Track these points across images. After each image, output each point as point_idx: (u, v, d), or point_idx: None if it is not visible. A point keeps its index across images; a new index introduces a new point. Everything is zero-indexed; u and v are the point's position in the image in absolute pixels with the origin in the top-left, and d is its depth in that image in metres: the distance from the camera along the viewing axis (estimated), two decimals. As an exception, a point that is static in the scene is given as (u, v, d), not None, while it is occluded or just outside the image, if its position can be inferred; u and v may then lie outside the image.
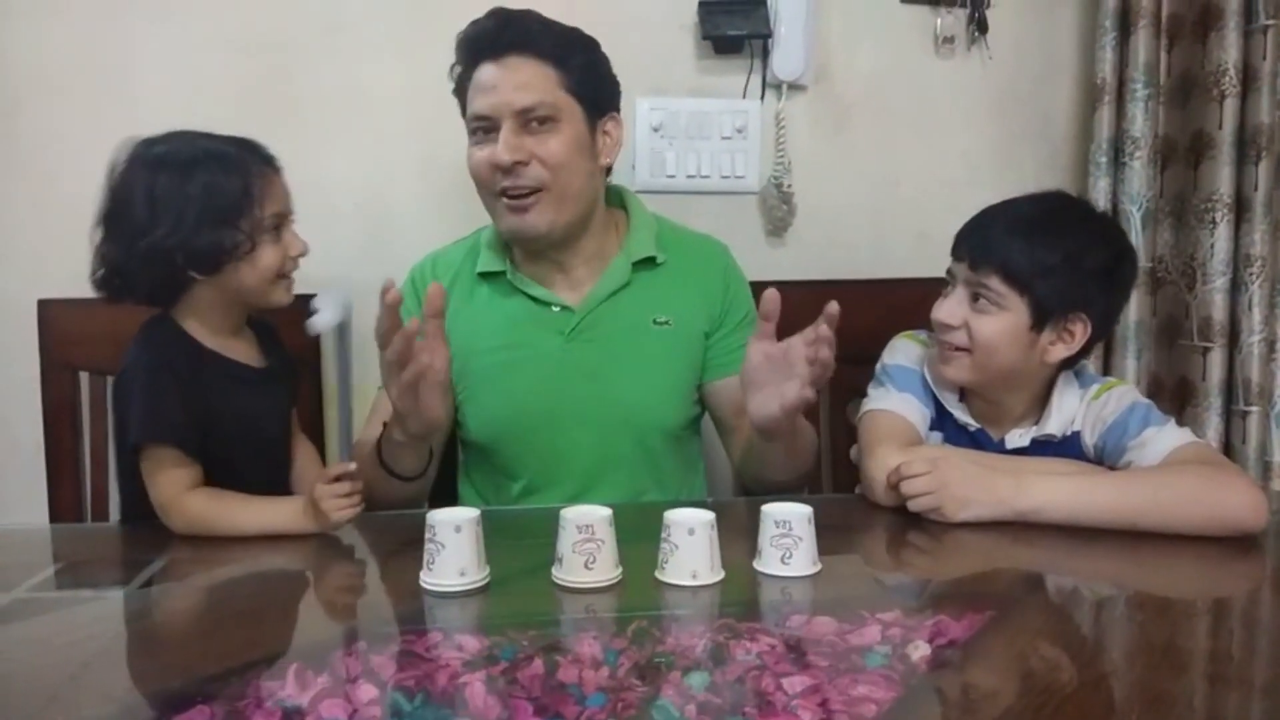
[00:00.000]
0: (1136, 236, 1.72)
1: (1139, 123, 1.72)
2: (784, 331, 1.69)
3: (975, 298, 1.21)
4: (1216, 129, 1.70)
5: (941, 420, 1.31)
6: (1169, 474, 1.14)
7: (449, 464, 1.45)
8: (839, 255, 1.82)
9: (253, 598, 1.01)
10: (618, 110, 1.36)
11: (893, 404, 1.28)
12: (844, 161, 1.84)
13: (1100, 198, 1.73)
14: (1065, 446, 1.26)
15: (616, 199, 1.45)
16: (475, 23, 1.29)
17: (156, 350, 1.15)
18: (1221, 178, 1.70)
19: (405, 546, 1.04)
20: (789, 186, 1.80)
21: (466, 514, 0.95)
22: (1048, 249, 1.18)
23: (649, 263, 1.38)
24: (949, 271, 1.26)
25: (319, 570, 1.08)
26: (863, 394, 1.36)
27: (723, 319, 1.39)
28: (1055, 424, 1.26)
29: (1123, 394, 1.27)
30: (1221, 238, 1.71)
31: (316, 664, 0.78)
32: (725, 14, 1.72)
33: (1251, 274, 1.72)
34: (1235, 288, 1.73)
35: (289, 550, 1.09)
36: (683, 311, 1.37)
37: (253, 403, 1.21)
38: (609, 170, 1.39)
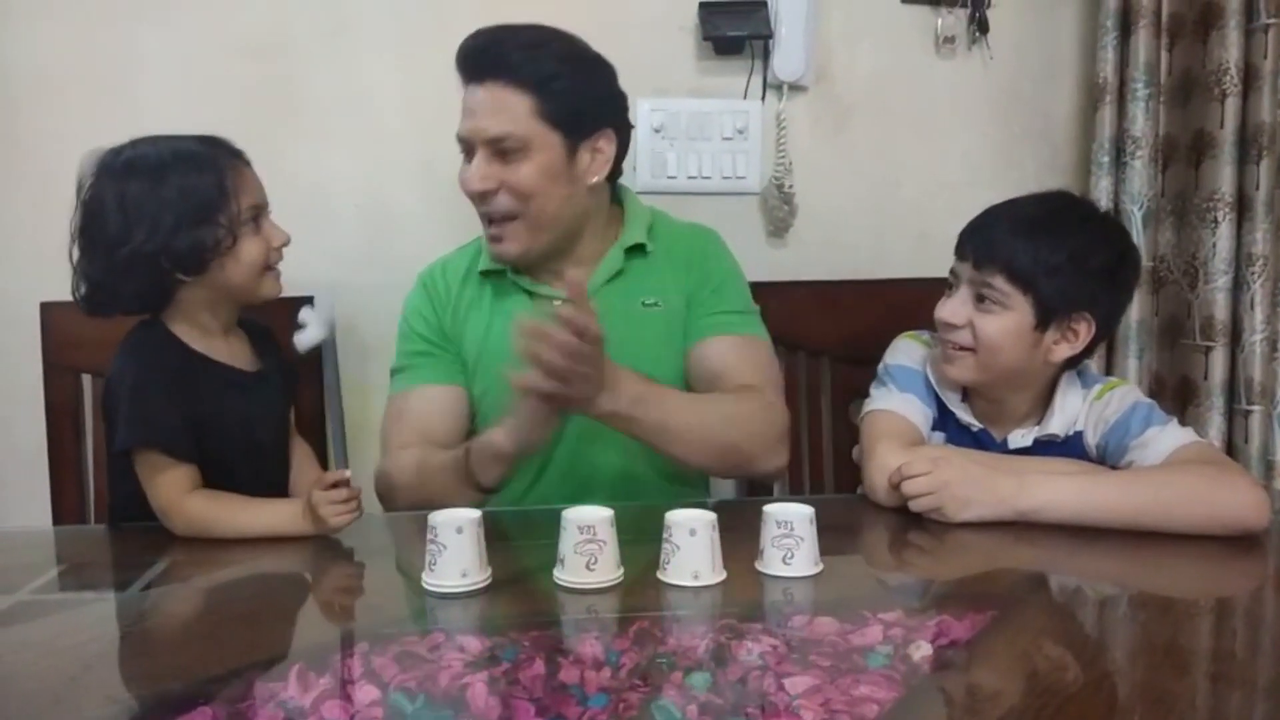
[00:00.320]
0: (1138, 236, 1.72)
1: (1140, 122, 1.71)
2: (786, 331, 1.70)
3: (979, 297, 1.21)
4: (1218, 128, 1.70)
5: (944, 420, 1.31)
6: (1171, 473, 1.14)
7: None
8: (840, 256, 1.82)
9: (254, 599, 1.01)
10: (616, 125, 1.34)
11: (895, 404, 1.28)
12: (845, 162, 1.83)
13: (1102, 197, 1.73)
14: (1068, 446, 1.26)
15: (616, 197, 1.45)
16: (469, 37, 1.29)
17: (144, 354, 1.15)
18: (1223, 177, 1.70)
19: (406, 548, 1.04)
20: (790, 187, 1.80)
21: (468, 515, 0.95)
22: (1052, 249, 1.18)
23: (639, 250, 1.39)
24: (952, 271, 1.26)
25: (320, 572, 1.08)
26: (865, 394, 1.36)
27: (696, 290, 1.40)
28: (1058, 424, 1.26)
29: (1125, 394, 1.27)
30: (1223, 237, 1.71)
31: (318, 665, 0.78)
32: (726, 15, 1.72)
33: (1253, 273, 1.71)
34: (1237, 287, 1.73)
35: (290, 552, 1.09)
36: (668, 292, 1.39)
37: (245, 406, 1.20)
38: (618, 174, 1.40)
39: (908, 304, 1.45)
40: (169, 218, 1.10)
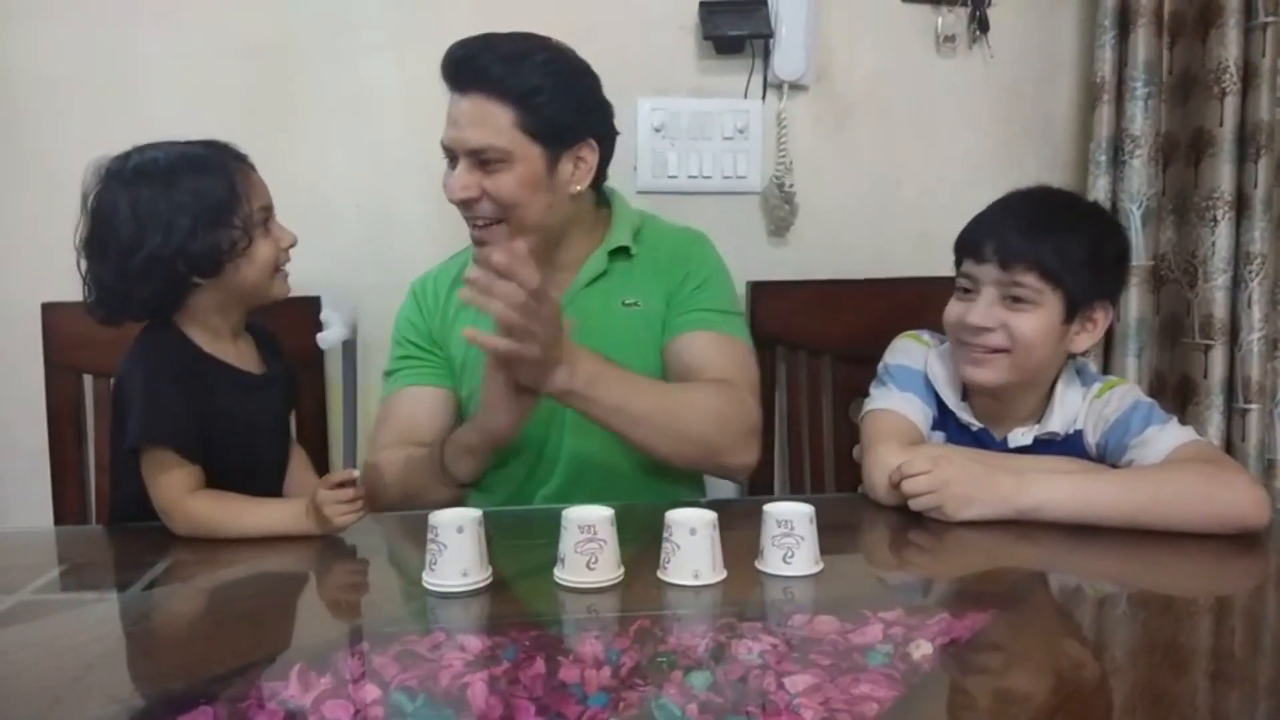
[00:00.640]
0: (1136, 234, 1.72)
1: (1139, 121, 1.71)
2: (787, 331, 1.70)
3: (1013, 298, 1.21)
4: (1217, 126, 1.70)
5: (944, 420, 1.31)
6: (1171, 472, 1.14)
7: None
8: (841, 255, 1.82)
9: (255, 599, 1.01)
10: (599, 135, 1.35)
11: (895, 403, 1.28)
12: (845, 161, 1.84)
13: (1100, 196, 1.72)
14: (1068, 445, 1.26)
15: (605, 201, 1.46)
16: (454, 46, 1.30)
17: (156, 353, 1.15)
18: (1222, 175, 1.70)
19: (407, 547, 1.04)
20: (790, 186, 1.80)
21: (468, 514, 0.95)
22: (1075, 242, 1.20)
23: (623, 252, 1.40)
24: (967, 275, 1.24)
25: (321, 571, 1.08)
26: (865, 393, 1.36)
27: (678, 289, 1.40)
28: (1058, 422, 1.26)
29: (1125, 392, 1.27)
30: (1222, 235, 1.71)
31: (319, 664, 0.78)
32: (726, 14, 1.73)
33: (1251, 271, 1.71)
34: (1236, 285, 1.73)
35: (292, 551, 1.09)
36: (649, 293, 1.40)
37: (251, 408, 1.21)
38: (602, 179, 1.40)
39: (909, 303, 1.46)
40: (184, 221, 1.10)
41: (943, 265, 1.31)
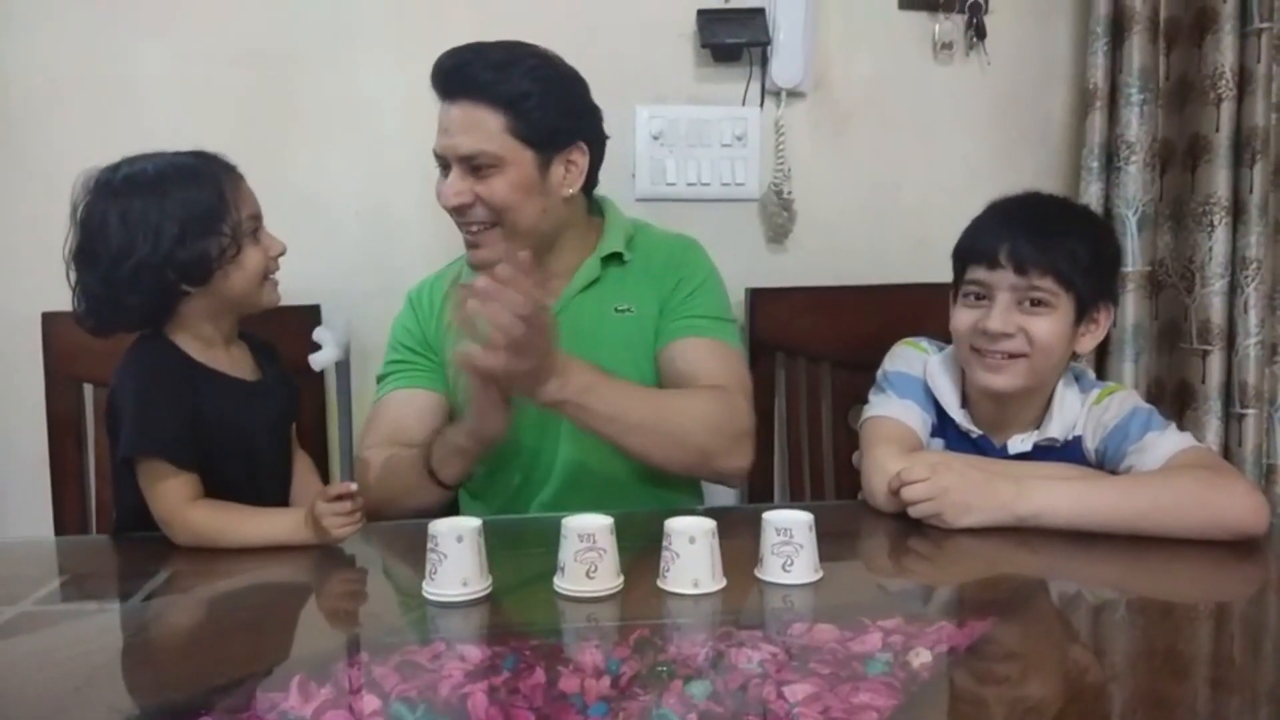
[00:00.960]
0: (1132, 240, 1.72)
1: (1134, 127, 1.71)
2: (785, 337, 1.70)
3: (1026, 301, 1.21)
4: (1213, 132, 1.71)
5: (943, 427, 1.31)
6: (1170, 478, 1.14)
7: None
8: (839, 261, 1.82)
9: (256, 609, 1.01)
10: (588, 139, 1.36)
11: (894, 410, 1.29)
12: (844, 168, 1.84)
13: (1092, 202, 1.72)
14: (1067, 451, 1.26)
15: (597, 209, 1.47)
16: (443, 56, 1.31)
17: (147, 363, 1.16)
18: (1219, 180, 1.70)
19: (407, 557, 1.04)
20: (789, 193, 1.80)
21: (468, 524, 0.95)
22: (1081, 245, 1.21)
23: (616, 259, 1.41)
24: (978, 282, 1.24)
25: (321, 581, 1.08)
26: (864, 400, 1.36)
27: (670, 296, 1.41)
28: (1057, 428, 1.26)
29: (1124, 399, 1.27)
30: (1219, 241, 1.71)
31: (319, 675, 0.78)
32: (724, 22, 1.73)
33: (1247, 276, 1.72)
34: (1233, 290, 1.74)
35: (292, 562, 1.09)
36: (641, 299, 1.40)
37: (246, 416, 1.21)
38: (593, 185, 1.42)
39: (907, 309, 1.46)
40: (173, 229, 1.11)
41: (941, 271, 1.31)
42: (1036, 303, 1.21)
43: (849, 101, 1.83)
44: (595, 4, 1.73)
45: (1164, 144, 1.79)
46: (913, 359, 1.35)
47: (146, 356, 1.17)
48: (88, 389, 1.56)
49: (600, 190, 1.46)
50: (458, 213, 1.32)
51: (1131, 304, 1.74)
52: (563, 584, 0.95)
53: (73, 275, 1.14)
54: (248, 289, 1.17)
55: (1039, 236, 1.21)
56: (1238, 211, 1.72)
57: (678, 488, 1.42)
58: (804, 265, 1.83)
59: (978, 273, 1.24)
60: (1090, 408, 1.27)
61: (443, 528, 0.94)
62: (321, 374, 1.58)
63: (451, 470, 1.27)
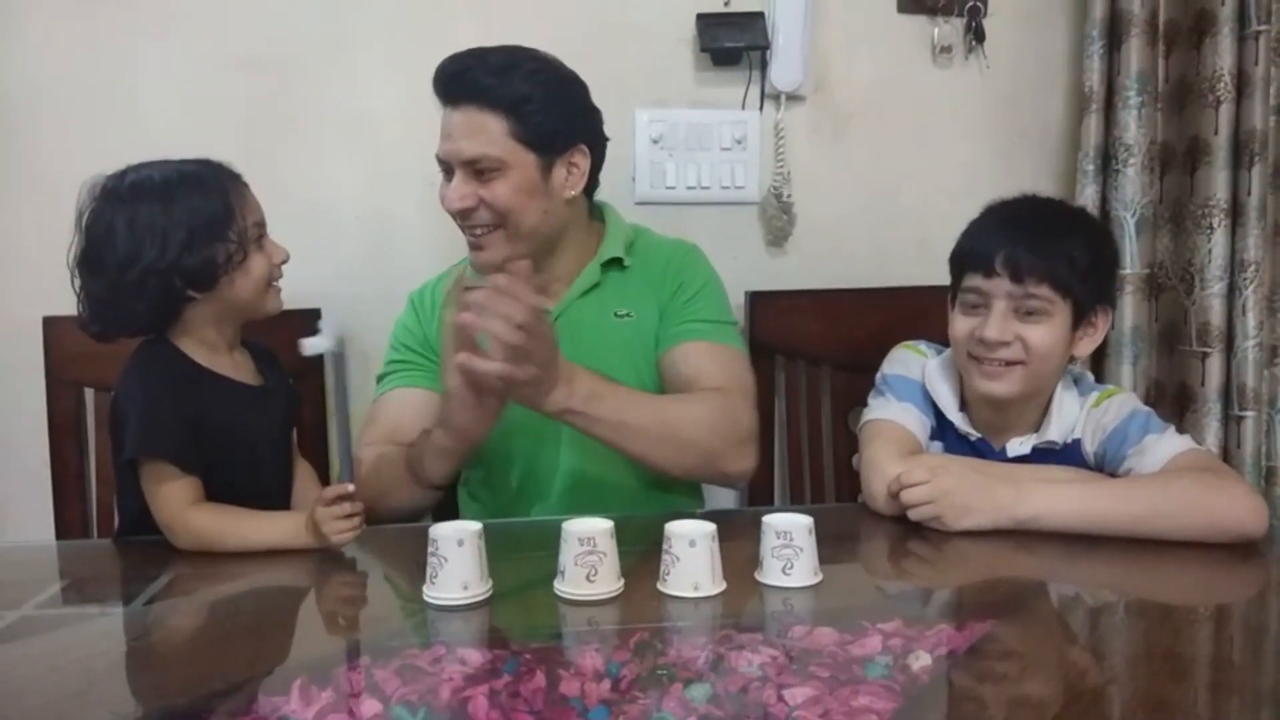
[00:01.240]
0: (1130, 242, 1.72)
1: (1132, 130, 1.72)
2: (785, 340, 1.70)
3: (1022, 310, 1.21)
4: (1212, 134, 1.71)
5: (942, 430, 1.31)
6: (1169, 481, 1.14)
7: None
8: (839, 264, 1.83)
9: (257, 613, 1.01)
10: (589, 141, 1.37)
11: (893, 413, 1.29)
12: (843, 171, 1.84)
13: (1088, 204, 1.73)
14: (1066, 455, 1.27)
15: (598, 214, 1.48)
16: (445, 61, 1.32)
17: (151, 367, 1.16)
18: (1217, 183, 1.71)
19: (408, 560, 1.04)
20: (789, 196, 1.80)
21: (469, 528, 0.95)
22: (1079, 250, 1.21)
23: (616, 264, 1.42)
24: (974, 290, 1.24)
25: (322, 585, 1.08)
26: (863, 403, 1.36)
27: (670, 300, 1.41)
28: (1056, 431, 1.26)
29: (1123, 401, 1.27)
30: (1218, 243, 1.72)
31: (320, 679, 0.78)
32: (723, 26, 1.73)
33: (1245, 279, 1.72)
34: (1232, 293, 1.74)
35: (292, 565, 1.09)
36: (641, 304, 1.41)
37: (249, 420, 1.21)
38: (594, 189, 1.42)
39: (907, 312, 1.46)
40: (180, 235, 1.11)
41: (940, 274, 1.31)
42: (1033, 311, 1.21)
43: (848, 105, 1.83)
44: (595, 9, 1.74)
45: (1163, 146, 1.79)
46: (911, 362, 1.35)
47: (151, 361, 1.17)
48: (89, 393, 1.56)
49: (600, 194, 1.46)
50: (461, 216, 1.32)
51: (1130, 306, 1.74)
52: (563, 587, 0.95)
53: (77, 281, 1.15)
54: (253, 295, 1.18)
55: (1035, 243, 1.20)
56: (1236, 214, 1.73)
57: (678, 491, 1.43)
58: (804, 268, 1.84)
59: (974, 280, 1.24)
60: (1089, 411, 1.27)
61: (443, 532, 0.95)
62: (322, 377, 1.59)
63: (435, 470, 1.27)
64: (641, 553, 1.01)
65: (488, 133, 1.28)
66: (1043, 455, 1.26)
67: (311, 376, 1.58)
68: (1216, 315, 1.73)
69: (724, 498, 1.71)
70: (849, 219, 1.85)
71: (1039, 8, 1.85)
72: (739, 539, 1.02)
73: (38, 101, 1.68)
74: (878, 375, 1.36)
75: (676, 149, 1.79)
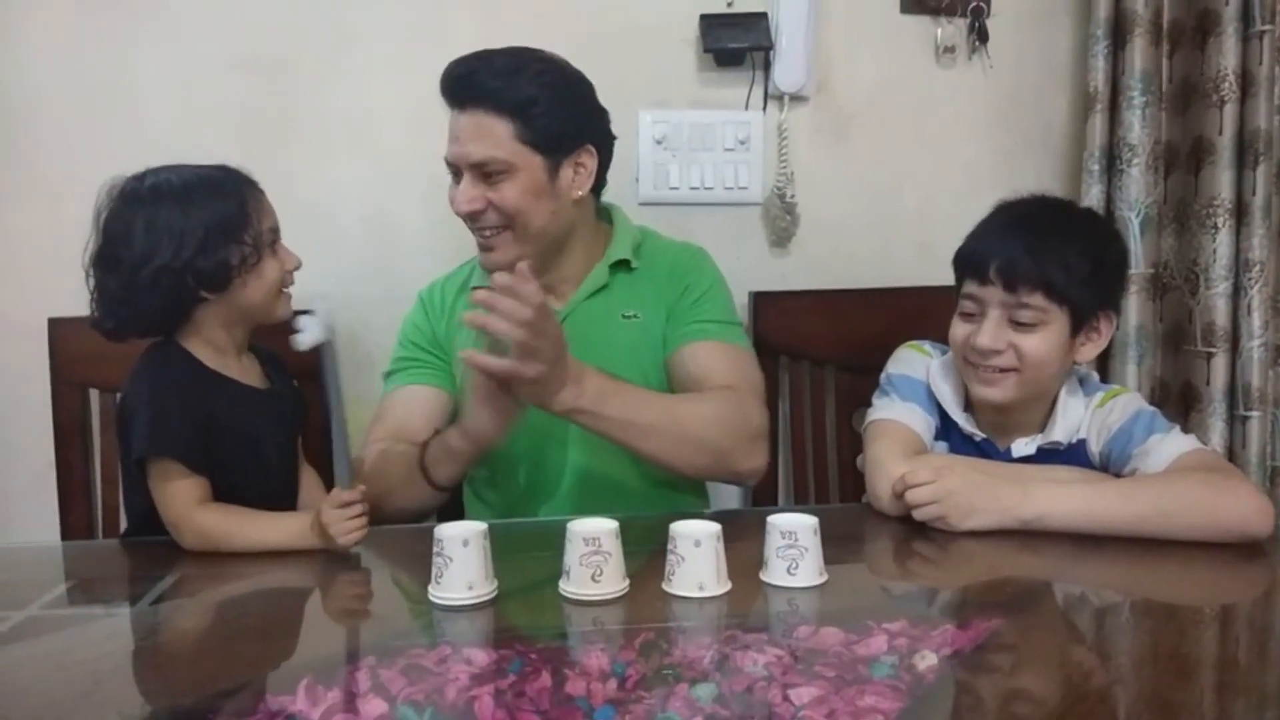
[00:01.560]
0: (1135, 242, 1.72)
1: (1136, 130, 1.72)
2: (789, 341, 1.70)
3: (1015, 318, 1.20)
4: (1216, 134, 1.71)
5: (947, 430, 1.31)
6: (1174, 481, 1.14)
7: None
8: (842, 265, 1.83)
9: (262, 613, 1.02)
10: (596, 141, 1.37)
11: (897, 414, 1.29)
12: (846, 171, 1.84)
13: (1093, 204, 1.73)
14: (1071, 455, 1.26)
15: (605, 216, 1.48)
16: (452, 64, 1.32)
17: (160, 368, 1.17)
18: (1222, 183, 1.71)
19: (413, 561, 1.04)
20: (792, 197, 1.80)
21: (474, 528, 0.95)
22: (1079, 257, 1.19)
23: (624, 266, 1.43)
24: (970, 297, 1.24)
25: (328, 585, 1.08)
26: (868, 403, 1.36)
27: (677, 302, 1.42)
28: (1061, 432, 1.26)
29: (1128, 401, 1.27)
30: (1223, 243, 1.71)
31: (326, 678, 0.78)
32: (726, 27, 1.73)
33: (1250, 279, 1.72)
34: (1237, 292, 1.74)
35: (298, 566, 1.09)
36: (648, 306, 1.41)
37: (256, 423, 1.21)
38: (601, 189, 1.43)
39: (911, 312, 1.46)
40: (196, 236, 1.12)
41: (944, 275, 1.31)
42: (1027, 320, 1.20)
43: (851, 105, 1.83)
44: (598, 9, 1.74)
45: (1167, 146, 1.79)
46: (916, 362, 1.35)
47: (159, 362, 1.18)
48: (94, 394, 1.56)
49: (604, 194, 1.46)
50: (470, 218, 1.33)
51: (1135, 306, 1.74)
52: (568, 587, 0.95)
53: (91, 280, 1.16)
54: (264, 299, 1.19)
55: (1031, 250, 1.19)
56: (1241, 214, 1.73)
57: (685, 490, 1.43)
58: (807, 269, 1.84)
59: (971, 287, 1.24)
60: (1094, 411, 1.27)
61: (448, 532, 0.95)
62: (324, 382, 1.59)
63: (444, 471, 1.27)
64: (646, 553, 1.01)
65: (494, 136, 1.29)
66: (1048, 456, 1.26)
67: (316, 380, 1.58)
68: (1221, 315, 1.72)
69: (729, 498, 1.71)
70: (852, 219, 1.85)
71: (1042, 8, 1.84)
72: (744, 539, 1.02)
73: (40, 103, 1.68)
74: (882, 375, 1.36)
75: (680, 150, 1.79)
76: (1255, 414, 1.73)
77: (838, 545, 1.03)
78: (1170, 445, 1.19)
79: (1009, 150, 1.86)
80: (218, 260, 1.13)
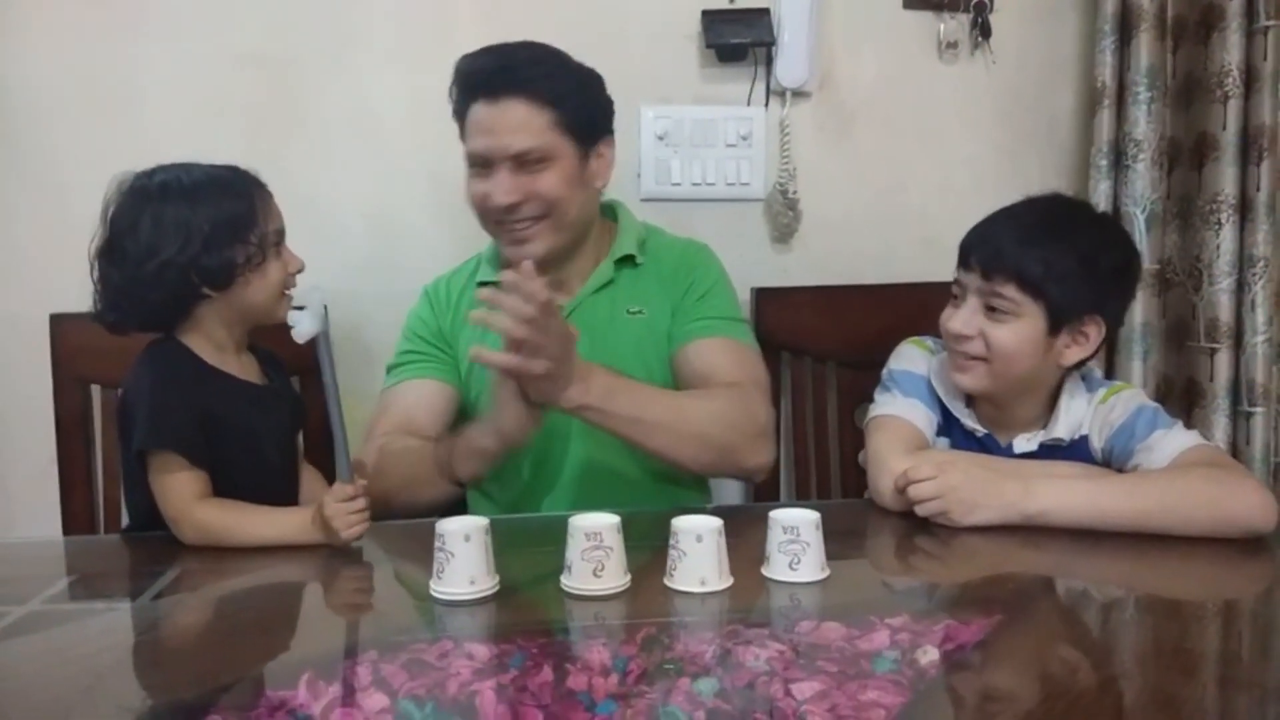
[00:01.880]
0: (1141, 239, 1.72)
1: (1142, 125, 1.71)
2: (791, 337, 1.70)
3: (989, 307, 1.21)
4: (1220, 130, 1.70)
5: (949, 426, 1.31)
6: (1177, 476, 1.14)
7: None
8: (845, 261, 1.83)
9: (264, 608, 1.01)
10: (611, 131, 1.40)
11: (899, 409, 1.28)
12: (849, 167, 1.84)
13: (1102, 200, 1.73)
14: (1073, 450, 1.26)
15: (610, 212, 1.49)
16: (473, 58, 1.32)
17: (161, 363, 1.17)
18: (1226, 178, 1.70)
19: (415, 556, 1.04)
20: (794, 193, 1.80)
21: (476, 523, 0.95)
22: (1061, 254, 1.19)
23: (629, 261, 1.44)
24: (957, 282, 1.26)
25: (329, 580, 1.08)
26: (870, 399, 1.36)
27: (682, 299, 1.42)
28: (1063, 428, 1.26)
29: (1130, 397, 1.27)
30: (1227, 239, 1.71)
31: (328, 673, 0.78)
32: (728, 22, 1.73)
33: (1254, 274, 1.71)
34: (1241, 288, 1.73)
35: (300, 561, 1.09)
36: (653, 302, 1.42)
37: (256, 419, 1.22)
38: (602, 186, 1.43)
39: (913, 309, 1.46)
40: (203, 233, 1.13)
41: (946, 270, 1.31)
42: (999, 309, 1.20)
43: (854, 101, 1.83)
44: (600, 6, 1.74)
45: (1171, 142, 1.78)
46: (917, 358, 1.35)
47: (160, 357, 1.18)
48: (95, 390, 1.57)
49: (606, 190, 1.46)
50: (508, 211, 1.32)
51: (1139, 302, 1.74)
52: (570, 582, 0.95)
53: (96, 272, 1.16)
54: (265, 300, 1.19)
55: (1013, 242, 1.19)
56: (1245, 209, 1.72)
57: (686, 484, 1.43)
58: (809, 265, 1.83)
59: (959, 272, 1.25)
60: (1096, 407, 1.27)
61: (450, 527, 0.95)
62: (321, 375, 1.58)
63: (470, 468, 1.26)
64: (648, 548, 1.01)
65: (534, 125, 1.29)
66: (1050, 451, 1.26)
67: (316, 377, 1.58)
68: (1225, 311, 1.72)
69: (731, 493, 1.71)
70: (854, 215, 1.85)
71: (1045, 3, 1.84)
72: (746, 534, 1.02)
73: (44, 100, 1.68)
74: (884, 371, 1.36)
75: (682, 146, 1.79)
76: (1259, 410, 1.73)
77: (840, 540, 1.03)
78: (1173, 441, 1.19)
79: (1012, 146, 1.86)
80: (223, 258, 1.14)
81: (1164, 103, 1.75)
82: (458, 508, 1.41)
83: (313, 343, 1.08)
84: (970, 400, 1.31)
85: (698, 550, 0.95)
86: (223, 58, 1.70)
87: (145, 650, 0.91)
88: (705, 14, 1.73)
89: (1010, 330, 1.20)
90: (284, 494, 1.28)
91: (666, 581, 0.96)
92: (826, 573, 0.98)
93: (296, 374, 1.34)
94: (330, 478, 1.19)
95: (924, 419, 1.28)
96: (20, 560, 1.20)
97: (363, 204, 1.76)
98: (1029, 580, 1.05)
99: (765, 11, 1.73)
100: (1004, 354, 1.21)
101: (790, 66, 1.75)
